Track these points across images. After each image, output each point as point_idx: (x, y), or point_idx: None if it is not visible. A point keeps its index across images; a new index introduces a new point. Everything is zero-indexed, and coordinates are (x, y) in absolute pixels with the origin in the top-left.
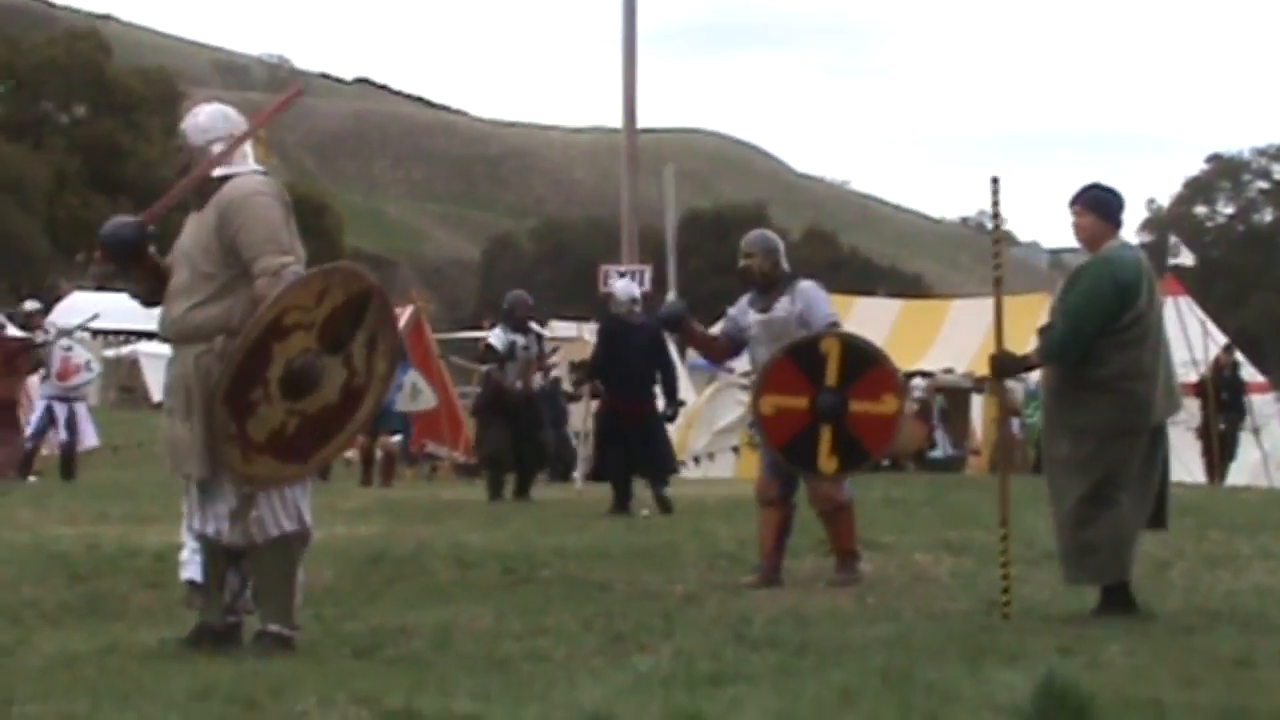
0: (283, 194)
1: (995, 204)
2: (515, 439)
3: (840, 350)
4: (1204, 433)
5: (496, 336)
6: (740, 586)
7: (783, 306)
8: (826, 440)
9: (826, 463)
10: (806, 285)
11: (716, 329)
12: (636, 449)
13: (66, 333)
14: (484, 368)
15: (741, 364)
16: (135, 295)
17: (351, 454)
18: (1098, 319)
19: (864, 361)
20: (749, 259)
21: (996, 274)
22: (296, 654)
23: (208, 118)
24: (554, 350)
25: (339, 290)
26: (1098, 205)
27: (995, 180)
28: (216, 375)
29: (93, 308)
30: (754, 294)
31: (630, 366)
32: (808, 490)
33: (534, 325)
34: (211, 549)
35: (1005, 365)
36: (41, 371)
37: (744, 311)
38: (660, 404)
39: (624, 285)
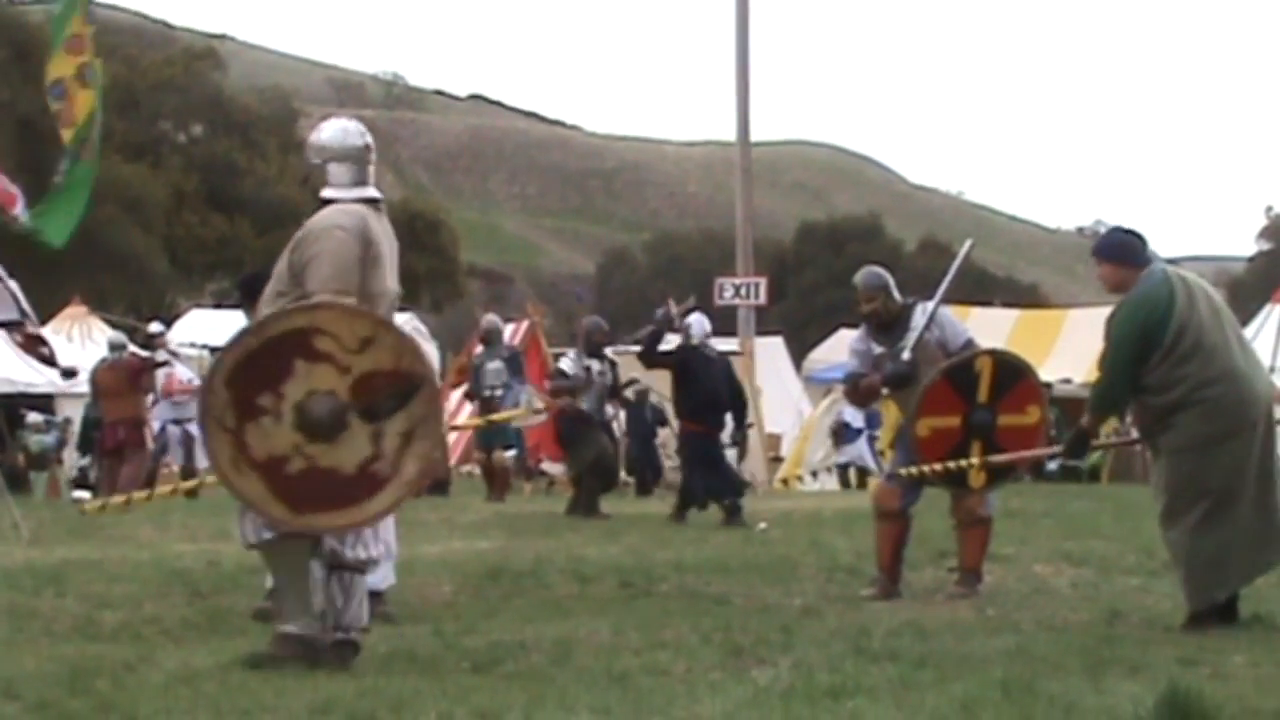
0: (366, 232)
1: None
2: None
3: (993, 367)
4: None
5: (569, 362)
6: (859, 599)
7: (911, 337)
8: (976, 455)
9: (976, 477)
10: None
11: (826, 350)
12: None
13: (175, 354)
14: (558, 398)
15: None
16: None
17: (469, 468)
18: (1130, 364)
19: (1012, 375)
20: (871, 303)
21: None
22: (417, 669)
23: (330, 135)
24: (630, 382)
25: (388, 353)
26: (1112, 252)
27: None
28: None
29: (209, 326)
30: (873, 328)
31: (712, 392)
32: (952, 502)
33: (609, 352)
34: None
35: (1077, 445)
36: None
37: (867, 343)
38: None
39: (698, 320)
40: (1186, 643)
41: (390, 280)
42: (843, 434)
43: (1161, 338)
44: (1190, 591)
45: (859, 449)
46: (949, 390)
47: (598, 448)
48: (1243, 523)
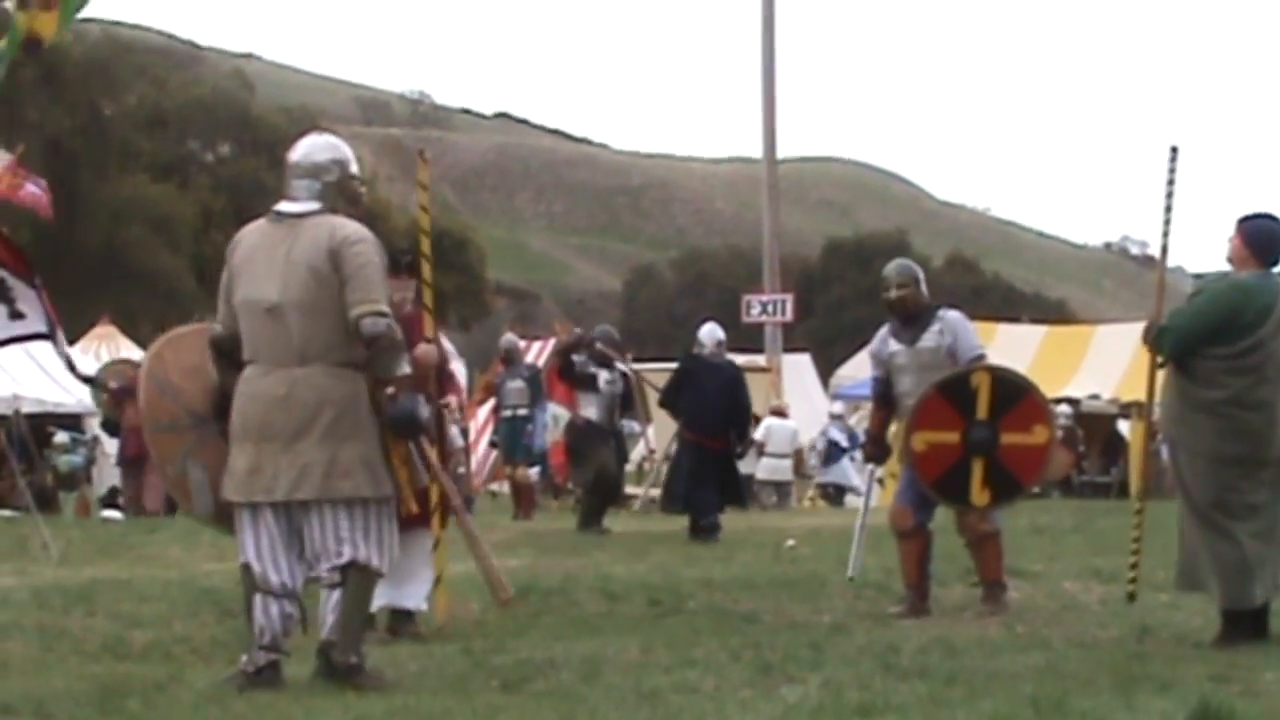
0: (235, 246)
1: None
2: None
3: (991, 383)
4: None
5: (580, 359)
6: (888, 616)
7: (931, 337)
8: (979, 473)
9: (979, 496)
10: (953, 317)
11: (853, 367)
12: (721, 480)
13: None
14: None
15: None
16: None
17: (495, 487)
18: (1198, 336)
19: (1015, 393)
20: (902, 290)
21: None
22: (446, 687)
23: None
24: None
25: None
26: (1251, 234)
27: (1174, 149)
28: None
29: None
30: (896, 325)
31: (712, 403)
32: (955, 519)
33: (620, 364)
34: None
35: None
36: None
37: (885, 343)
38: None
39: (709, 330)
40: (1217, 659)
41: (250, 289)
42: (831, 453)
43: (1234, 339)
44: (1221, 593)
45: (843, 469)
46: (945, 405)
47: (598, 464)
48: (1239, 546)
